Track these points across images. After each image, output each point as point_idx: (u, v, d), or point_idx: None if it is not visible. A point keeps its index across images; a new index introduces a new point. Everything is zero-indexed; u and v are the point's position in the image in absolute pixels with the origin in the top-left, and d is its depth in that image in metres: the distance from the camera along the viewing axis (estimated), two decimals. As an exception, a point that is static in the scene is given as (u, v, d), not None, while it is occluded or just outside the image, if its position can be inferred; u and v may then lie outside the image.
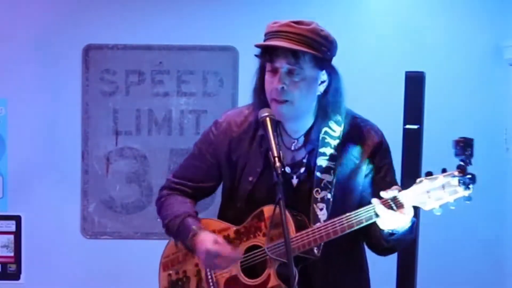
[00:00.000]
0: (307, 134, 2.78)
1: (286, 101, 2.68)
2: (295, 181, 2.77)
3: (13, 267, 4.65)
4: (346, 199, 2.72)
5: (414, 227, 2.66)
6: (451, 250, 4.52)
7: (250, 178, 2.80)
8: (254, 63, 2.79)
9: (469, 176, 2.41)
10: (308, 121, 2.77)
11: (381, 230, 2.62)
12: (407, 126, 3.62)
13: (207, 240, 2.75)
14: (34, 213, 4.61)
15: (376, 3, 4.56)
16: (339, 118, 2.76)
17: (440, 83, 4.39)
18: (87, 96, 4.64)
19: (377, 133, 2.78)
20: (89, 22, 4.60)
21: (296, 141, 2.79)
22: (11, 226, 4.62)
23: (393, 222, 2.55)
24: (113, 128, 4.65)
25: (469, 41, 4.54)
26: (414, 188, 2.50)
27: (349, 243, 2.74)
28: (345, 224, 2.60)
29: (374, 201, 2.55)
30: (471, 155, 2.42)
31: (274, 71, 2.69)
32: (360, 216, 2.58)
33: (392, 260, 3.60)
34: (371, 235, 2.69)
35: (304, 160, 2.77)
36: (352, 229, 2.60)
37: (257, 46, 2.72)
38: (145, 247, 4.56)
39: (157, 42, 4.61)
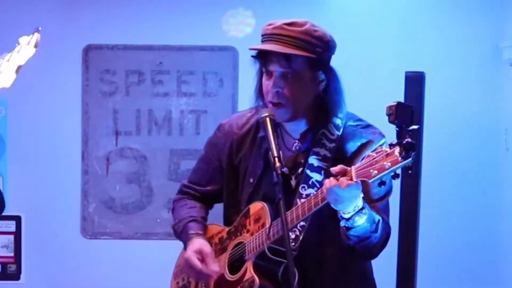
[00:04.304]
0: (305, 133, 2.77)
1: (281, 104, 2.67)
2: (293, 182, 2.76)
3: (13, 267, 4.65)
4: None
5: (377, 225, 2.61)
6: (451, 250, 4.51)
7: (251, 180, 2.81)
8: (254, 64, 2.79)
9: (406, 144, 2.30)
10: (307, 121, 2.76)
11: (342, 227, 2.59)
12: (407, 126, 3.60)
13: (193, 247, 2.79)
14: (34, 213, 4.60)
15: (376, 3, 4.56)
16: (338, 122, 2.74)
17: (440, 83, 4.39)
18: (87, 96, 4.64)
19: (374, 135, 2.73)
20: (89, 22, 4.60)
21: (296, 141, 2.78)
22: (11, 226, 4.62)
23: (341, 197, 2.47)
24: (113, 128, 4.65)
25: (469, 42, 4.54)
26: (361, 162, 2.45)
27: (344, 249, 2.69)
28: (306, 207, 2.58)
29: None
30: (410, 121, 2.31)
31: (270, 74, 2.69)
32: (317, 197, 2.55)
33: (392, 260, 3.61)
34: (340, 234, 2.65)
35: (302, 160, 2.76)
36: (311, 211, 2.56)
37: (251, 49, 2.72)
38: (145, 247, 4.57)
39: (157, 42, 4.61)
